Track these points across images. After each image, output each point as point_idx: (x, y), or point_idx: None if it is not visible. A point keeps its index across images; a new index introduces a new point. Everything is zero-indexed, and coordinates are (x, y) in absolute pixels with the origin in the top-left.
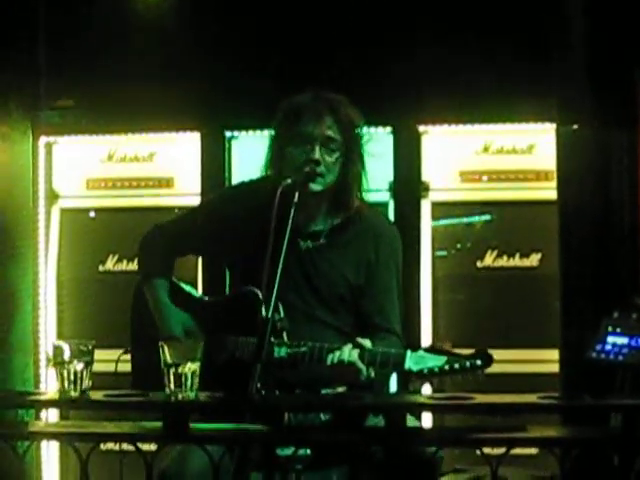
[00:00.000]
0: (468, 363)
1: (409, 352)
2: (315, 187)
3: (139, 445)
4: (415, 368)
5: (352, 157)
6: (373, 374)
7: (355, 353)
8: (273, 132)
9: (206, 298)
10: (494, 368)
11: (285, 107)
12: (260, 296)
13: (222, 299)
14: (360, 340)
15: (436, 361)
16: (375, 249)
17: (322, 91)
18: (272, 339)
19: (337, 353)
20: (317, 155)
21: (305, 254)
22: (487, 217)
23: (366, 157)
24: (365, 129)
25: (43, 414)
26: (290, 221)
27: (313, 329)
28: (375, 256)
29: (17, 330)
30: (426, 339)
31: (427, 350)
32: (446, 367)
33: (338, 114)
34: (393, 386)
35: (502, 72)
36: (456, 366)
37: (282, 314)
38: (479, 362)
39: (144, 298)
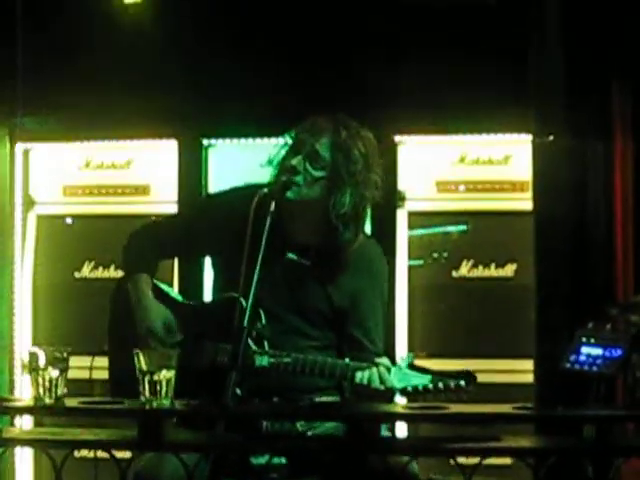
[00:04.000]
0: (452, 383)
1: (393, 369)
2: (289, 195)
3: (114, 452)
4: (399, 385)
5: (339, 184)
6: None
7: (386, 372)
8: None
9: (189, 302)
10: None
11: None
12: (243, 303)
13: (204, 304)
14: (378, 360)
15: (420, 379)
16: (361, 275)
17: (348, 117)
18: (254, 347)
19: (366, 373)
20: (295, 162)
21: (291, 266)
22: (463, 227)
23: (368, 193)
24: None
25: (17, 421)
26: (266, 230)
27: (293, 340)
28: (361, 281)
29: None
30: (401, 349)
31: (411, 368)
32: (430, 386)
33: (339, 137)
34: None
35: (478, 83)
36: (440, 385)
37: (264, 322)
38: (463, 382)
39: (122, 300)
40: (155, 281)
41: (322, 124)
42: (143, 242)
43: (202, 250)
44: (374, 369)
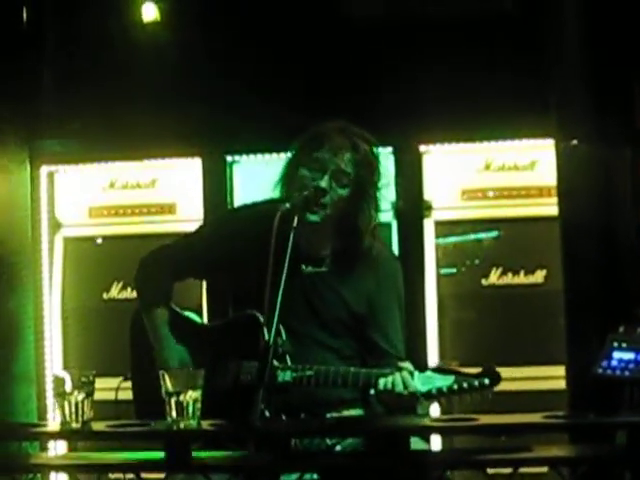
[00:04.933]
0: (476, 382)
1: (416, 373)
2: (313, 218)
3: (143, 475)
4: (423, 389)
5: (363, 196)
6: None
7: (409, 377)
8: (291, 152)
9: (207, 323)
10: (501, 386)
11: (311, 132)
12: (260, 319)
13: (223, 324)
14: (401, 364)
15: (444, 381)
16: (376, 278)
17: (350, 124)
18: (276, 363)
19: (390, 379)
20: (325, 184)
21: (307, 279)
22: (491, 234)
23: (381, 200)
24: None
25: (51, 445)
26: (290, 245)
27: (315, 352)
28: (376, 287)
29: (20, 360)
30: (432, 358)
31: (434, 370)
32: (454, 387)
33: (359, 152)
34: None
35: (502, 89)
36: (464, 385)
37: (284, 337)
38: (487, 381)
39: (142, 324)
40: (173, 307)
41: (340, 140)
42: (154, 269)
43: (216, 269)
44: (397, 374)
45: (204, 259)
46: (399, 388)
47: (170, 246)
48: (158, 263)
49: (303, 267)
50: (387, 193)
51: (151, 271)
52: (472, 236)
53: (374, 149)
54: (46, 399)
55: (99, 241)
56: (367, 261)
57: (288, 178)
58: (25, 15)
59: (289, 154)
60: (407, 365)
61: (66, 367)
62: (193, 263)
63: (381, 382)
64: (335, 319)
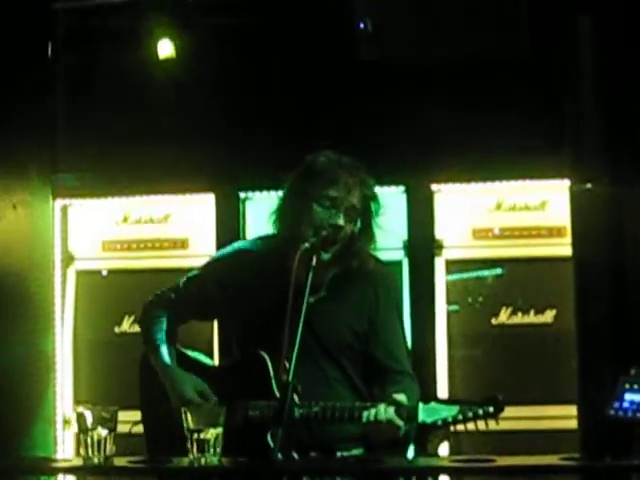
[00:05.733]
0: (481, 411)
1: (421, 405)
2: (326, 257)
3: None
4: (429, 420)
5: (365, 226)
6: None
7: (391, 410)
8: (290, 187)
9: (214, 364)
10: (511, 425)
11: (310, 166)
12: (267, 359)
13: (230, 364)
14: (395, 396)
15: (449, 411)
16: (374, 293)
17: (340, 154)
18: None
19: (373, 411)
20: (342, 222)
21: (309, 310)
22: (501, 274)
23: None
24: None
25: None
26: (308, 284)
27: (322, 387)
28: (375, 299)
29: (37, 394)
30: (442, 394)
31: (438, 401)
32: (459, 416)
33: (366, 187)
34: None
35: (514, 130)
36: (469, 414)
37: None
38: (491, 409)
39: (150, 366)
40: (178, 348)
41: (348, 178)
42: (157, 312)
43: (216, 311)
44: (380, 406)
45: (205, 300)
46: (381, 417)
47: (171, 288)
48: (160, 306)
49: (305, 299)
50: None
51: (153, 314)
52: (482, 275)
53: (369, 177)
54: (56, 431)
55: (104, 273)
56: (363, 277)
57: (295, 212)
58: (50, 52)
59: (292, 187)
60: (401, 397)
61: (77, 400)
62: (194, 305)
63: (364, 414)
64: (341, 346)
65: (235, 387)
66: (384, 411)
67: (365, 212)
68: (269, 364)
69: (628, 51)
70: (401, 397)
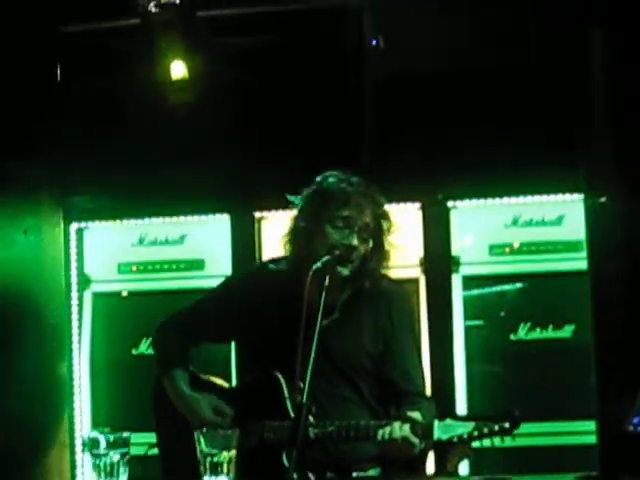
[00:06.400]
0: (497, 427)
1: (437, 422)
2: (344, 272)
3: None
4: (444, 437)
5: (381, 244)
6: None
7: (406, 427)
8: (302, 209)
9: (228, 386)
10: (531, 441)
11: (320, 187)
12: (281, 380)
13: (244, 385)
14: (410, 414)
15: (464, 428)
16: (389, 314)
17: (349, 174)
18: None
19: (387, 429)
20: (356, 242)
21: (323, 331)
22: (518, 289)
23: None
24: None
25: None
26: (322, 303)
27: (337, 407)
28: (390, 322)
29: (53, 419)
30: (461, 410)
31: (454, 418)
32: (475, 433)
33: (377, 206)
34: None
35: (527, 145)
36: (485, 430)
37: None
38: (507, 425)
39: (163, 398)
40: (192, 370)
41: (360, 198)
42: (169, 335)
43: (230, 333)
44: (395, 424)
45: (219, 321)
46: (396, 435)
47: (183, 312)
48: (172, 329)
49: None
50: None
51: (166, 337)
52: (500, 291)
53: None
54: (75, 454)
55: (124, 294)
56: (377, 298)
57: (308, 234)
58: (59, 75)
59: (304, 209)
60: (416, 414)
61: (95, 423)
62: (207, 326)
63: (379, 433)
64: (356, 368)
65: (250, 408)
66: (399, 429)
67: (377, 231)
68: (284, 385)
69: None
70: (416, 414)
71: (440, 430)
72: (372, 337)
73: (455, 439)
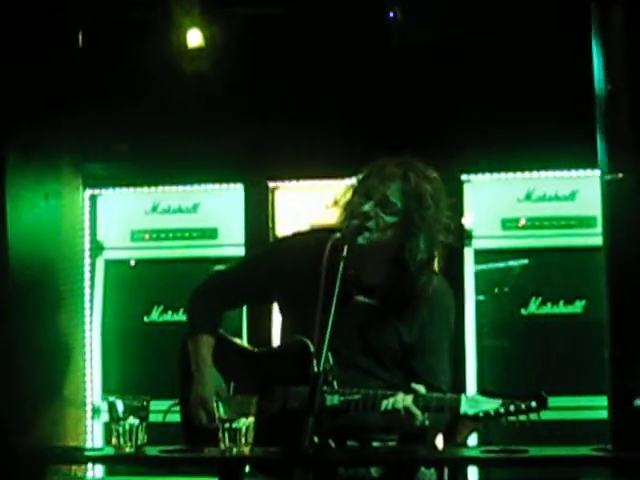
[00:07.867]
0: (524, 405)
1: (464, 396)
2: (360, 240)
3: None
4: (471, 412)
5: (410, 227)
6: (427, 420)
7: (409, 398)
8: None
9: (256, 349)
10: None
11: (373, 163)
12: (310, 346)
13: (272, 349)
14: (414, 385)
15: (491, 404)
16: (429, 310)
17: (414, 160)
18: (324, 387)
19: (391, 400)
20: (367, 208)
21: (359, 308)
22: (530, 264)
23: (440, 236)
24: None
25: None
26: (339, 275)
27: (362, 381)
28: (429, 317)
29: (70, 383)
30: (471, 386)
31: (481, 393)
32: (501, 410)
33: (409, 183)
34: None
35: (542, 119)
36: (511, 408)
37: (331, 362)
38: (534, 404)
39: (187, 359)
40: (221, 333)
41: (391, 169)
42: (207, 296)
43: (269, 296)
44: (399, 395)
45: (253, 288)
46: (398, 405)
47: (220, 273)
48: (209, 291)
49: (356, 296)
50: (446, 230)
51: (202, 299)
52: (512, 265)
53: (435, 185)
54: (85, 420)
55: (132, 263)
56: (422, 297)
57: (343, 204)
58: (80, 42)
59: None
60: (419, 387)
61: (106, 390)
62: (243, 292)
63: (383, 403)
64: (386, 350)
65: (275, 373)
66: (402, 399)
67: (406, 210)
68: (312, 351)
69: None
70: (419, 387)
71: (467, 404)
72: (409, 329)
73: (481, 415)
